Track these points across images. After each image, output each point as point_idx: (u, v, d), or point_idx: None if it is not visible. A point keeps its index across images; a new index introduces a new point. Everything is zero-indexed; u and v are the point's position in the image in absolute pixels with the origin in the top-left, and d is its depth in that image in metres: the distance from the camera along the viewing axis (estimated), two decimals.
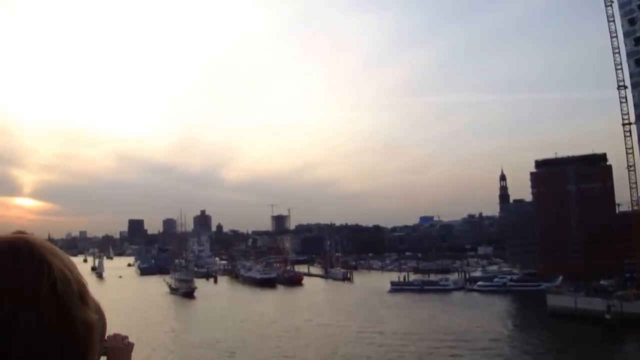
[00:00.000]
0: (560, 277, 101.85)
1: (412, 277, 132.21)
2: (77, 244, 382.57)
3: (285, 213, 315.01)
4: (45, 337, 1.22)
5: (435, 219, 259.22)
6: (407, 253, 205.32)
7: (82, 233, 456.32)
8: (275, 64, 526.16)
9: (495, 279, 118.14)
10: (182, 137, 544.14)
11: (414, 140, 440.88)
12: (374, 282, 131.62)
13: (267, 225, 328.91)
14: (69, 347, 1.26)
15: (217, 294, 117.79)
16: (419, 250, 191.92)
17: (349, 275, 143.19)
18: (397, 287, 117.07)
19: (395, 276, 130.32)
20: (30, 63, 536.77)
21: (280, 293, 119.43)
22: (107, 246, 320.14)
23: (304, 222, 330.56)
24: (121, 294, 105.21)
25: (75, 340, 1.28)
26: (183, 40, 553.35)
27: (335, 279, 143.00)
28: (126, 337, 1.75)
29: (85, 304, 1.34)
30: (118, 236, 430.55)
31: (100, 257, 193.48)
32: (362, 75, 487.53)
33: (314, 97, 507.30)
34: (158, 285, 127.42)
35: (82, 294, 1.35)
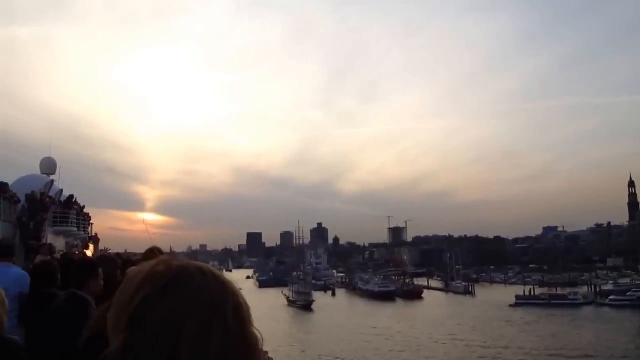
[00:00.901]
0: None
1: (538, 290, 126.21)
2: (197, 257, 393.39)
3: (402, 225, 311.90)
4: (231, 347, 1.37)
5: (560, 229, 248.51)
6: (530, 265, 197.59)
7: (203, 246, 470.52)
8: (388, 74, 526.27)
9: (629, 293, 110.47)
10: (298, 150, 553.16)
11: (534, 146, 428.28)
12: (497, 296, 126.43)
13: (383, 237, 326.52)
14: (246, 357, 1.40)
15: (335, 307, 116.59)
16: (544, 262, 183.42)
17: (471, 289, 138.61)
18: (523, 301, 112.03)
19: (518, 290, 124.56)
20: (153, 84, 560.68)
21: (399, 307, 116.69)
22: (226, 259, 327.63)
23: (421, 234, 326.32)
24: None
25: (250, 352, 1.43)
26: (297, 54, 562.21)
27: (456, 292, 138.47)
28: (267, 353, 1.83)
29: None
30: (237, 249, 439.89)
31: (220, 270, 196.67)
32: (477, 81, 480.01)
33: (427, 105, 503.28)
34: (276, 297, 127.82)
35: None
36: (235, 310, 1.42)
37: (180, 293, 1.35)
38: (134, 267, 1.71)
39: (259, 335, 1.45)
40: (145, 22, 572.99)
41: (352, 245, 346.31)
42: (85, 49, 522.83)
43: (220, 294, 1.41)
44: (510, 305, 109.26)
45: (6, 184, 29.40)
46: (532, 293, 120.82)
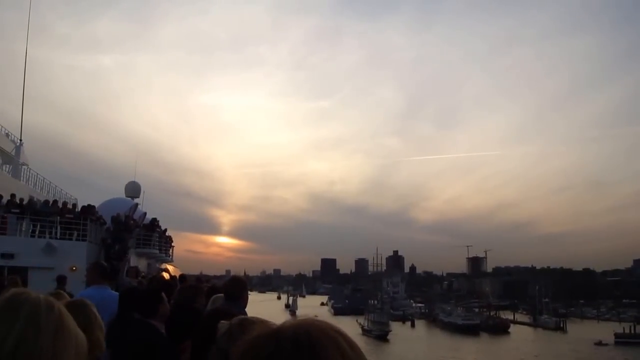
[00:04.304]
0: None
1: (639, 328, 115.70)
2: (271, 282, 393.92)
3: (481, 254, 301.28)
4: None
5: None
6: (624, 300, 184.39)
7: (276, 271, 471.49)
8: (467, 99, 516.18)
9: None
10: (374, 176, 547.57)
11: (623, 175, 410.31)
12: (590, 333, 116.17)
13: (461, 267, 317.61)
14: None
15: (414, 339, 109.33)
16: (638, 296, 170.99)
17: (562, 324, 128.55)
18: (622, 340, 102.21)
19: (613, 326, 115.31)
20: (231, 111, 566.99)
21: (485, 341, 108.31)
22: (299, 284, 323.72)
23: (502, 265, 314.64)
24: None
25: None
26: (374, 81, 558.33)
27: (545, 327, 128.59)
28: None
29: None
30: (311, 275, 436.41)
31: (294, 296, 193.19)
32: (561, 107, 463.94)
33: (508, 132, 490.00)
34: (351, 326, 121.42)
35: None
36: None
37: None
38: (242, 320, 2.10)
39: None
40: (225, 50, 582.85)
41: (429, 274, 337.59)
42: (166, 77, 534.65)
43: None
44: (610, 345, 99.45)
45: (93, 207, 31.88)
46: (633, 331, 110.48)
